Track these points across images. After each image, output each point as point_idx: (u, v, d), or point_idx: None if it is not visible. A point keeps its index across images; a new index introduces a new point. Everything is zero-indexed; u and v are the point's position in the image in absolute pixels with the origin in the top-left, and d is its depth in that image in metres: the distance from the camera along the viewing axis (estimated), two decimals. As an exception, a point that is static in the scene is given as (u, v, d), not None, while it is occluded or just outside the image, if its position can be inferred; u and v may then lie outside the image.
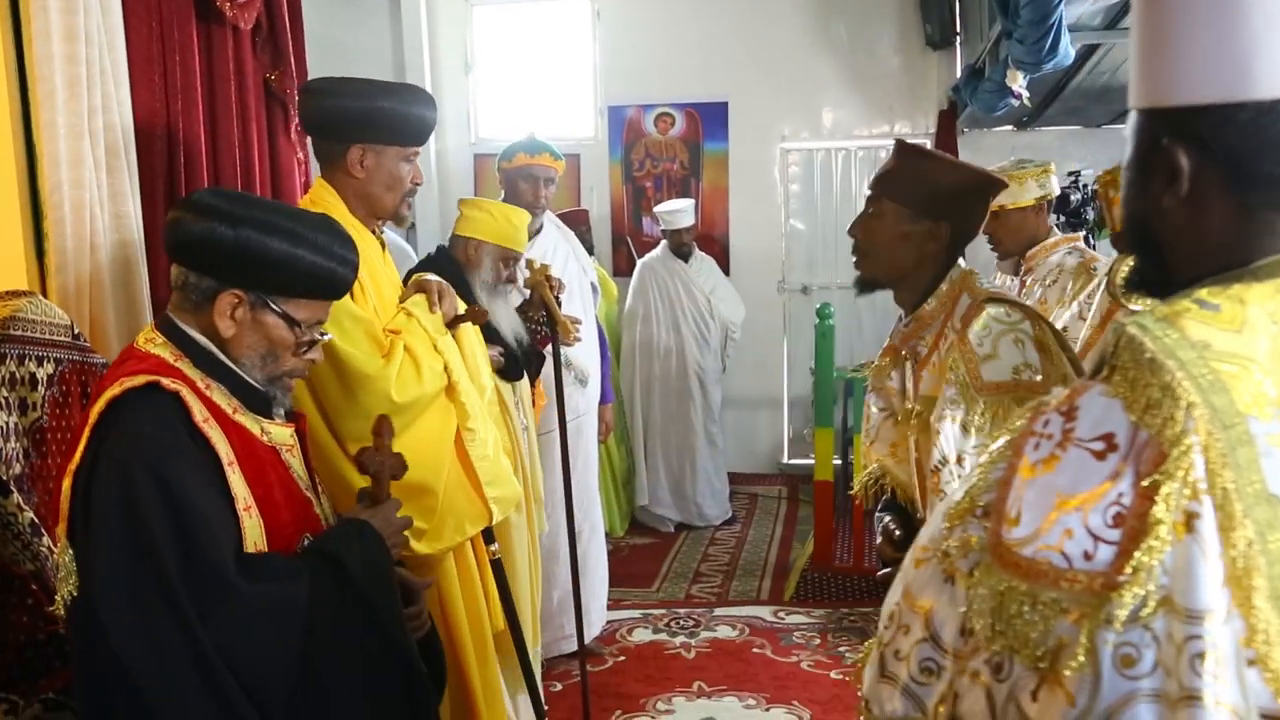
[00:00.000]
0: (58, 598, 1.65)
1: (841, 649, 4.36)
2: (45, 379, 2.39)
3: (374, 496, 1.92)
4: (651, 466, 6.30)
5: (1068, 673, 0.90)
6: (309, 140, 3.29)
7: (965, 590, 1.00)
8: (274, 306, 1.74)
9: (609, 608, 4.55)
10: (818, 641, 4.46)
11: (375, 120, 2.48)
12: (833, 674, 4.13)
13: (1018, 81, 5.04)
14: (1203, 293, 1.01)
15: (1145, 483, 0.91)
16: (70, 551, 1.62)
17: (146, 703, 1.53)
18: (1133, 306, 1.50)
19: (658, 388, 6.30)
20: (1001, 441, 1.05)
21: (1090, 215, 4.82)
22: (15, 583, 2.10)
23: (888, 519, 2.33)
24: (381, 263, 2.58)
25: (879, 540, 2.37)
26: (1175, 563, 0.88)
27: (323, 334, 1.86)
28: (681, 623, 4.68)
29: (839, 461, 5.59)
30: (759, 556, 5.75)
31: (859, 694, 1.15)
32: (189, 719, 1.55)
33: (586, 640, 4.04)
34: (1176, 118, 1.06)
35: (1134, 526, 0.90)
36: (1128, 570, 0.89)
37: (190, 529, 1.57)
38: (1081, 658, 0.89)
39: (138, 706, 1.54)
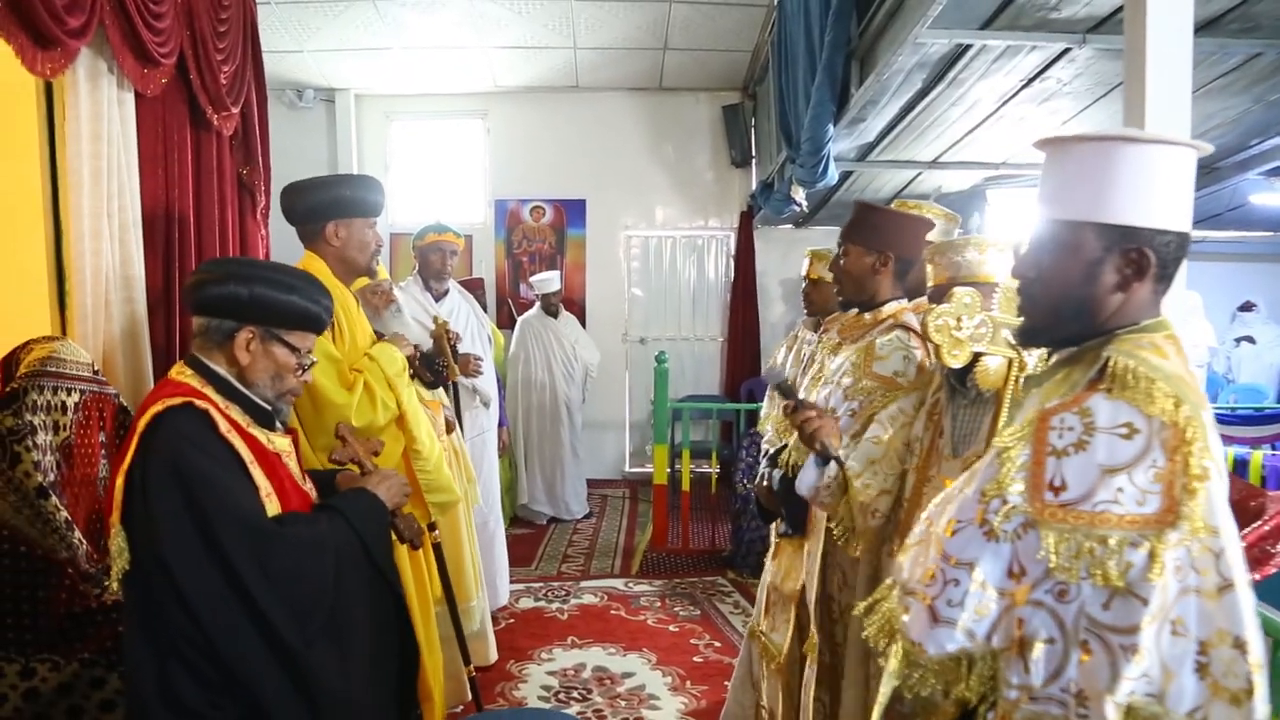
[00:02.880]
0: (113, 572, 1.60)
1: (676, 609, 4.43)
2: (73, 406, 2.33)
3: (363, 471, 2.00)
4: (530, 474, 6.29)
5: (1151, 580, 1.00)
6: (277, 222, 3.24)
7: (1010, 544, 1.08)
8: (280, 337, 1.77)
9: (500, 583, 4.53)
10: (659, 604, 4.51)
11: (341, 201, 2.53)
12: (670, 628, 4.17)
13: (799, 194, 5.23)
14: (1131, 338, 1.15)
15: (1180, 451, 1.04)
16: (123, 535, 1.59)
17: (215, 645, 1.55)
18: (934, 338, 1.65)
19: (535, 414, 6.30)
20: (1010, 440, 1.12)
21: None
22: (55, 568, 2.05)
23: (769, 472, 2.35)
24: (356, 313, 2.59)
25: (761, 484, 2.39)
26: (1204, 500, 1.02)
27: (313, 360, 1.88)
28: (556, 592, 4.68)
29: (670, 470, 5.67)
30: (611, 541, 5.80)
31: (903, 644, 1.13)
32: (247, 654, 1.57)
33: (494, 608, 4.06)
34: (1144, 233, 1.16)
35: (1170, 481, 1.03)
36: (1181, 508, 1.02)
37: (233, 501, 1.59)
38: (1160, 570, 1.00)
39: (203, 647, 1.56)
